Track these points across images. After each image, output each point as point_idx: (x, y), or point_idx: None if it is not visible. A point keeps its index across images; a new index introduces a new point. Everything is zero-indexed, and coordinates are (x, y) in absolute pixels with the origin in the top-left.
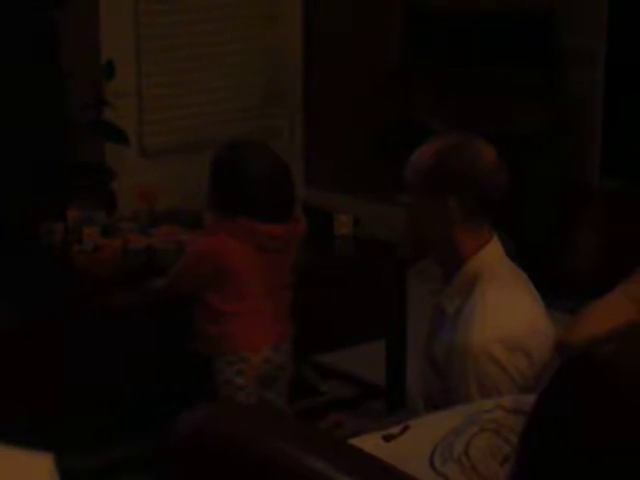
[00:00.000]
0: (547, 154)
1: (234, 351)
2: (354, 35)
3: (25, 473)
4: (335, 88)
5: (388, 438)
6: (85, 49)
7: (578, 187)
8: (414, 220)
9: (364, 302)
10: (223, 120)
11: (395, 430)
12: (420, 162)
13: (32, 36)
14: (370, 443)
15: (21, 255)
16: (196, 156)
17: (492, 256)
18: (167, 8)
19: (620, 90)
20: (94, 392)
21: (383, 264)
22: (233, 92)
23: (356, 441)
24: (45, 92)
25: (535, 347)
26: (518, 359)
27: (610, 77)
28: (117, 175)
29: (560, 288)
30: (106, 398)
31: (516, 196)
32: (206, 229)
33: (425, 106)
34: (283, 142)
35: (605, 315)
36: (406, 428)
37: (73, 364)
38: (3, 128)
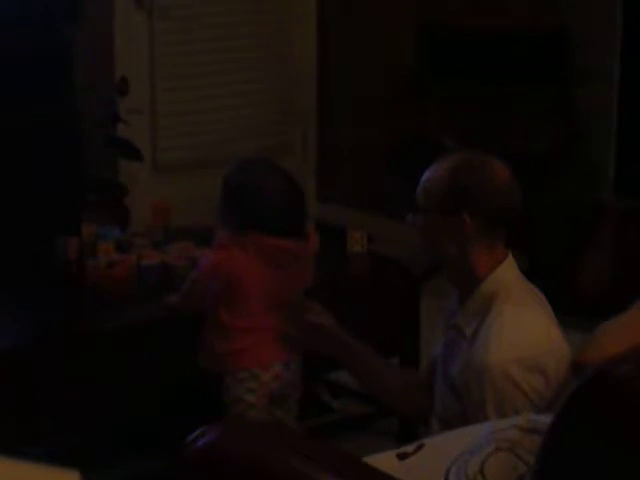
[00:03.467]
0: (560, 171)
1: (244, 368)
2: (368, 50)
3: None
4: (348, 103)
5: (402, 456)
6: (99, 66)
7: (591, 205)
8: (428, 239)
9: (377, 320)
10: (236, 136)
11: (409, 448)
12: (434, 180)
13: (47, 52)
14: (384, 461)
15: (36, 270)
16: (210, 172)
17: (508, 275)
18: (181, 26)
19: (634, 107)
20: (105, 410)
21: (397, 282)
22: (246, 108)
23: (370, 459)
24: (60, 108)
25: (552, 367)
26: (535, 379)
27: (624, 94)
28: (130, 191)
29: (574, 306)
30: (117, 416)
31: (529, 214)
32: (216, 244)
33: (437, 122)
34: (296, 157)
35: (621, 334)
36: (420, 446)
37: (87, 381)
38: (18, 143)
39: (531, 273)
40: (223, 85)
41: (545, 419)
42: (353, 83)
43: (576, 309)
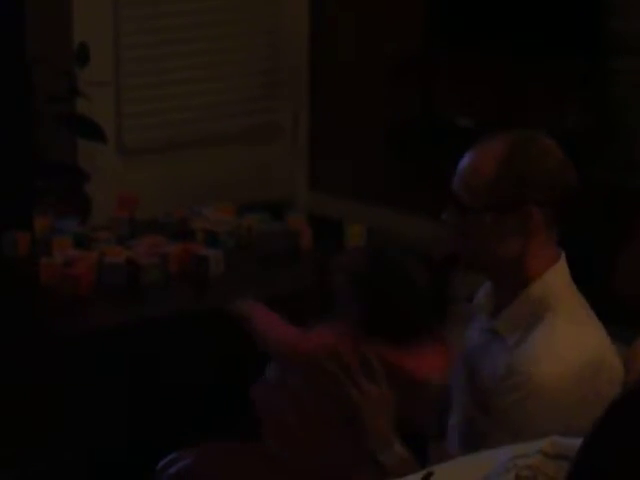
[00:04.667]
0: (592, 157)
1: None
2: (368, 17)
3: None
4: (346, 78)
5: None
6: (55, 31)
7: (628, 195)
8: (474, 240)
9: None
10: (215, 114)
11: (417, 477)
12: (480, 171)
13: None
14: None
15: None
16: (183, 156)
17: (559, 279)
18: None
19: None
20: (67, 425)
21: None
22: (227, 82)
23: None
24: (8, 81)
25: (606, 384)
26: (588, 397)
27: None
28: (91, 177)
29: (609, 313)
30: (79, 431)
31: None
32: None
33: (449, 99)
34: (285, 140)
35: None
36: (429, 475)
37: (40, 393)
38: None
39: None
40: (199, 54)
41: (572, 443)
42: (351, 53)
43: (611, 316)
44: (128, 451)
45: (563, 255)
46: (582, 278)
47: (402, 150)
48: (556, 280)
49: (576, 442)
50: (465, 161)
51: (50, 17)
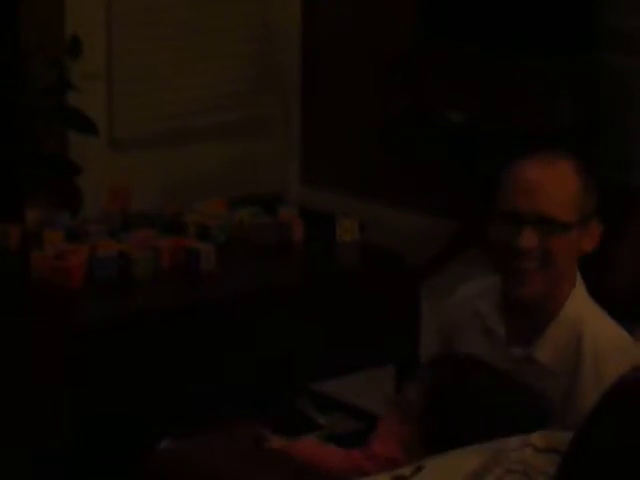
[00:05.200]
0: (585, 154)
1: None
2: (360, 11)
3: None
4: (337, 72)
5: (399, 479)
6: (47, 23)
7: (622, 192)
8: (556, 262)
9: (370, 321)
10: (206, 107)
11: (407, 471)
12: (564, 184)
13: None
14: None
15: None
16: (175, 149)
17: (584, 293)
18: None
19: None
20: (53, 417)
21: (392, 277)
22: (218, 75)
23: None
24: (1, 72)
25: None
26: None
27: None
28: (83, 170)
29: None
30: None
31: None
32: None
33: (440, 94)
34: (276, 133)
35: None
36: (419, 468)
37: (32, 387)
38: None
39: None
40: (191, 47)
41: (562, 436)
42: (343, 48)
43: (611, 310)
44: (121, 439)
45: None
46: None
47: (393, 144)
48: (581, 302)
49: (566, 435)
50: (536, 176)
51: (43, 9)
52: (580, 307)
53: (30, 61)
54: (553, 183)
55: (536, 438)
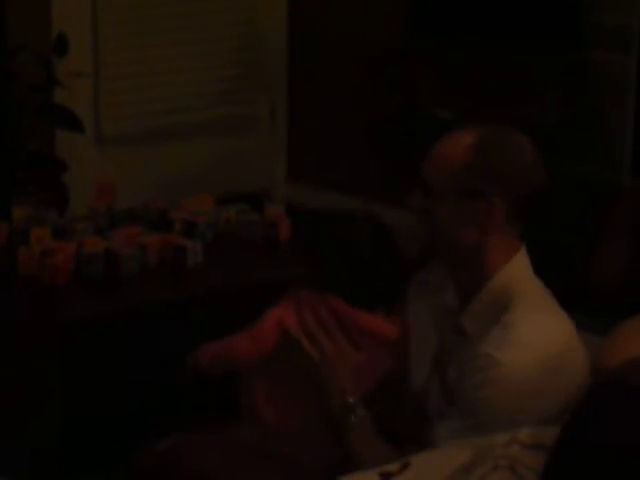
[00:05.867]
0: (570, 149)
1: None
2: (348, 8)
3: None
4: (325, 69)
5: (386, 476)
6: (33, 20)
7: (606, 186)
8: (439, 225)
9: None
10: (192, 105)
11: (394, 467)
12: (449, 158)
13: None
14: None
15: None
16: (161, 145)
17: (521, 271)
18: None
19: None
20: (50, 416)
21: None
22: (205, 72)
23: (350, 478)
24: None
25: (570, 374)
26: (554, 383)
27: None
28: (70, 167)
29: (585, 304)
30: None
31: (540, 199)
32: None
33: (431, 92)
34: (263, 130)
35: None
36: (407, 465)
37: (23, 383)
38: None
39: (541, 266)
40: (177, 44)
41: (549, 432)
42: (330, 42)
43: (588, 307)
44: (109, 437)
45: (524, 248)
46: (560, 269)
47: (381, 141)
48: (517, 272)
49: (552, 431)
50: (436, 147)
51: (29, 7)
52: (510, 284)
53: (17, 59)
54: (441, 154)
55: (523, 434)
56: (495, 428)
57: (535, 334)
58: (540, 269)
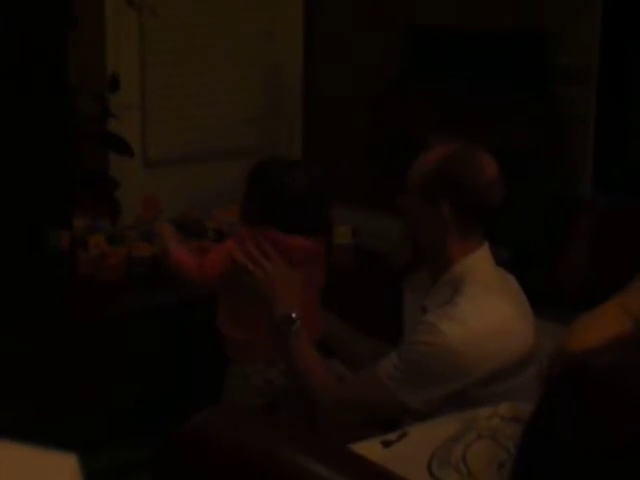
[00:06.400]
0: (541, 168)
1: (250, 360)
2: (354, 51)
3: (49, 473)
4: (334, 102)
5: (387, 444)
6: (91, 63)
7: (570, 200)
8: (409, 220)
9: (361, 310)
10: (222, 132)
11: (393, 436)
12: (422, 166)
13: (40, 49)
14: (369, 449)
15: (30, 261)
16: (197, 166)
17: (478, 262)
18: (170, 24)
19: (612, 106)
20: (99, 394)
21: (380, 273)
22: (234, 105)
23: (355, 447)
24: (53, 104)
25: (494, 352)
26: (476, 357)
27: (602, 94)
28: (121, 185)
29: (553, 299)
30: (110, 399)
31: (511, 208)
32: (233, 238)
33: (421, 121)
34: (283, 154)
35: (602, 325)
36: (404, 434)
37: (80, 367)
38: (12, 139)
39: (513, 266)
40: (209, 82)
41: (526, 407)
42: (338, 85)
43: (556, 302)
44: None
45: (485, 245)
46: (531, 269)
47: (381, 163)
48: (475, 264)
49: (528, 406)
50: (421, 156)
51: (87, 51)
52: (465, 272)
53: (78, 95)
54: (417, 162)
55: (503, 409)
56: (419, 386)
57: (474, 313)
58: (515, 269)
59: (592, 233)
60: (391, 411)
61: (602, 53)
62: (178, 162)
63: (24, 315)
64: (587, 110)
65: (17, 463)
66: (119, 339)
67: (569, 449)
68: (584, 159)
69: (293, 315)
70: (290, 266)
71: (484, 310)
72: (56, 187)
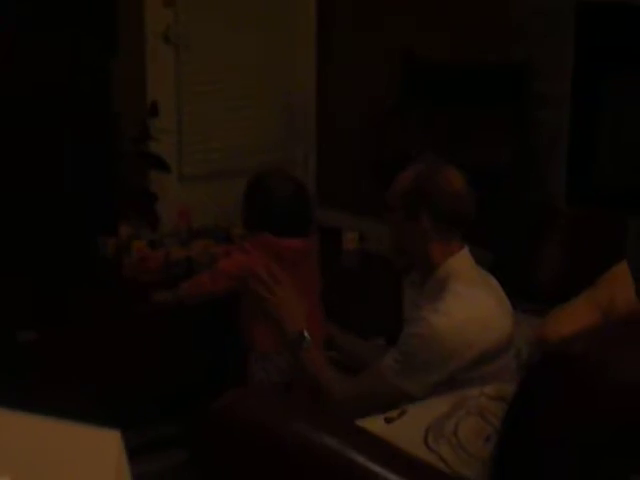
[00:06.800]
0: (520, 182)
1: (264, 350)
2: (359, 82)
3: (93, 449)
4: (343, 126)
5: (389, 420)
6: (134, 91)
7: (546, 211)
8: (394, 233)
9: (367, 305)
10: (249, 152)
11: (394, 413)
12: (400, 185)
13: (89, 81)
14: (373, 424)
15: (80, 264)
16: (225, 182)
17: (460, 263)
18: (202, 59)
19: (582, 128)
20: (144, 378)
21: (383, 274)
22: (255, 129)
23: (362, 422)
24: (101, 128)
25: (477, 338)
26: (462, 344)
27: (573, 117)
28: (160, 198)
29: (532, 295)
30: (149, 382)
31: (494, 217)
32: (237, 244)
33: (417, 141)
34: (299, 170)
35: (575, 318)
36: (403, 412)
37: (126, 354)
38: (66, 159)
39: (496, 267)
40: (237, 109)
41: (509, 388)
42: (346, 106)
43: (534, 297)
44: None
45: (465, 248)
46: (512, 270)
47: (384, 177)
48: (457, 265)
49: (511, 387)
50: (397, 177)
51: (130, 83)
52: (450, 272)
53: (122, 121)
54: (396, 180)
55: (489, 389)
56: (419, 374)
57: (458, 305)
58: (497, 269)
59: (564, 238)
60: (396, 401)
61: (573, 82)
62: (208, 178)
63: (77, 311)
64: (561, 132)
65: (64, 440)
66: (159, 331)
67: (548, 425)
68: (558, 175)
69: (305, 334)
70: (287, 266)
71: (467, 302)
72: (104, 200)
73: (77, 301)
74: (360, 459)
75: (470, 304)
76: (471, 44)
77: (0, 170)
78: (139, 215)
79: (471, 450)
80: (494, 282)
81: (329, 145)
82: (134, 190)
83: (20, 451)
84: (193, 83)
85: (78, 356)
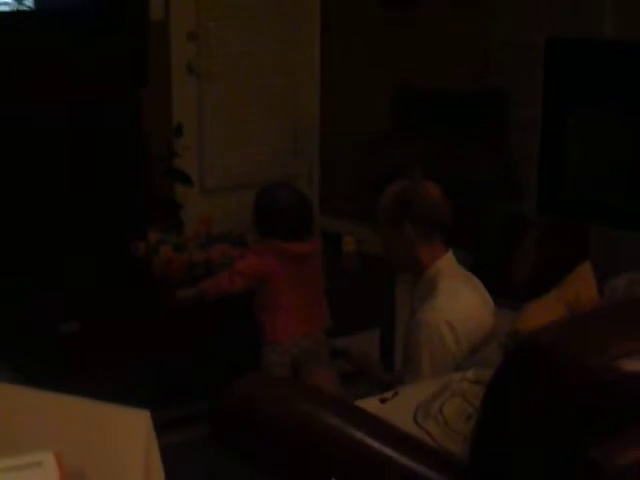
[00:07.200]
0: (498, 195)
1: (276, 341)
2: (358, 107)
3: (124, 428)
4: (343, 145)
5: (383, 400)
6: (161, 115)
7: (520, 219)
8: (385, 244)
9: (365, 302)
10: (261, 167)
11: (388, 395)
12: (385, 200)
13: (124, 107)
14: (370, 404)
15: (117, 265)
16: (241, 193)
17: (447, 264)
18: (221, 87)
19: (551, 148)
20: (167, 365)
21: (379, 274)
22: (265, 147)
23: (359, 402)
24: (131, 147)
25: (464, 330)
26: (453, 335)
27: (544, 138)
28: (184, 207)
29: (508, 292)
30: (175, 367)
31: (475, 224)
32: (250, 248)
33: (407, 158)
34: (304, 182)
35: (545, 312)
36: (396, 393)
37: (154, 344)
38: (101, 174)
39: (477, 268)
40: (251, 130)
41: (488, 373)
42: (345, 126)
43: (510, 294)
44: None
45: (450, 252)
46: (491, 270)
47: (380, 189)
48: (443, 266)
49: (489, 372)
50: (382, 195)
51: (158, 107)
52: (437, 273)
53: (151, 140)
54: (381, 198)
55: (470, 373)
56: (436, 373)
57: (448, 302)
58: (478, 269)
59: (536, 243)
60: None
61: (544, 108)
62: (226, 190)
63: (113, 306)
64: (533, 151)
65: (100, 418)
66: (182, 324)
67: (519, 405)
68: (530, 188)
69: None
70: (293, 267)
71: (455, 299)
72: (135, 209)
73: (113, 297)
74: (358, 434)
75: (458, 300)
76: (456, 74)
77: (54, 185)
78: (166, 222)
79: (455, 427)
80: (477, 281)
81: (330, 161)
82: (162, 200)
83: (60, 429)
84: (213, 108)
85: (114, 344)
